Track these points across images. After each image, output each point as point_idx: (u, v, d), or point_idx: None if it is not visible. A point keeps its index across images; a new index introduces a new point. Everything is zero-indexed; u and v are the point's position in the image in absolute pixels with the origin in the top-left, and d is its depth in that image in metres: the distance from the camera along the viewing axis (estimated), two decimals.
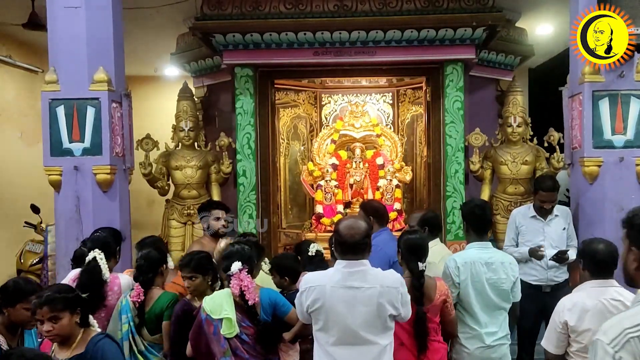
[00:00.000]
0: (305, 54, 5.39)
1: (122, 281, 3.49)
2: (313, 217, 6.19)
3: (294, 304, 3.06)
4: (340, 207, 6.07)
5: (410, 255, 3.10)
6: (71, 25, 4.28)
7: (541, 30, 6.88)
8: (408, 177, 6.19)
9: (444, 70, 5.40)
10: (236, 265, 3.03)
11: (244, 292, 2.97)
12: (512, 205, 5.27)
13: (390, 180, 6.04)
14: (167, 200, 5.66)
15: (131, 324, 3.22)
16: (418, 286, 3.03)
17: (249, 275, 3.04)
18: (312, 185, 6.25)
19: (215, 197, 5.48)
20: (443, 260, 3.56)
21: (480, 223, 3.56)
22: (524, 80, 7.98)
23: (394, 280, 2.71)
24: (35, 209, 6.43)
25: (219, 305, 2.99)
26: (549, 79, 6.57)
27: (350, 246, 2.66)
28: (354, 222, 2.73)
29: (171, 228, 5.50)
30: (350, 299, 2.61)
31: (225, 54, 5.41)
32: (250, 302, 2.97)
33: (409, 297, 2.77)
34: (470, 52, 5.33)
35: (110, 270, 3.42)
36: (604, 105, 4.31)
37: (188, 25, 5.92)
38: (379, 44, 5.31)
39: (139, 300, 3.23)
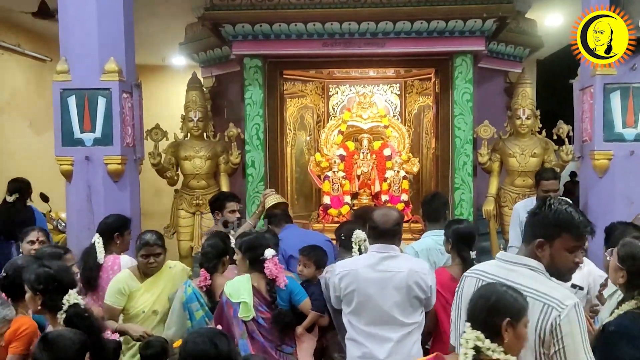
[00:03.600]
0: (314, 45, 5.37)
1: (121, 261, 3.66)
2: (320, 208, 6.19)
3: (309, 295, 3.24)
4: (347, 198, 6.08)
5: (460, 244, 3.20)
6: (82, 15, 4.30)
7: (550, 21, 6.85)
8: (415, 169, 6.19)
9: (453, 62, 5.38)
10: (270, 252, 3.18)
11: (276, 277, 3.14)
12: (520, 198, 5.28)
13: (398, 171, 6.04)
14: (175, 190, 5.69)
15: (206, 309, 3.31)
16: None
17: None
18: (319, 176, 6.25)
19: (224, 187, 5.50)
20: None
21: (428, 212, 3.83)
22: (532, 71, 7.95)
23: (421, 267, 2.92)
24: (44, 198, 6.47)
25: (237, 289, 3.14)
26: (558, 71, 6.57)
27: (383, 232, 2.85)
28: (387, 210, 2.98)
29: (180, 218, 5.53)
30: (382, 282, 2.79)
31: (235, 44, 5.40)
32: (282, 286, 3.15)
33: (435, 285, 2.93)
34: (480, 43, 5.30)
35: (111, 253, 3.66)
36: (615, 98, 4.31)
37: (197, 15, 5.92)
38: (388, 35, 5.29)
39: (207, 284, 3.34)
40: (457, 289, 2.25)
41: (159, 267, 3.51)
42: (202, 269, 3.39)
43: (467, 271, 2.23)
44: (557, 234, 1.95)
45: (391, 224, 2.84)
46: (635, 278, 2.34)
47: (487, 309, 1.81)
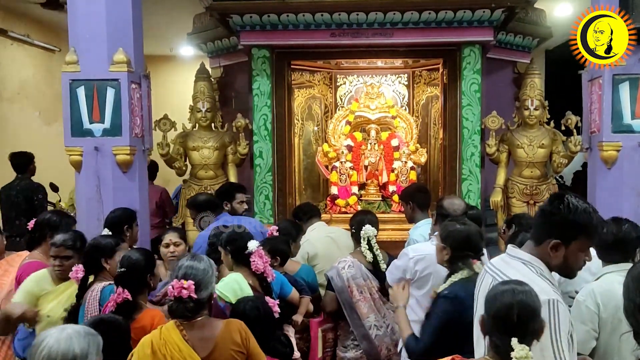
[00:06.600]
0: (322, 35, 5.36)
1: None
2: (328, 199, 6.22)
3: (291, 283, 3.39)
4: (355, 189, 6.09)
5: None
6: (91, 6, 4.30)
7: (560, 11, 6.80)
8: (423, 159, 6.19)
9: (461, 52, 5.36)
10: (253, 244, 3.10)
11: (264, 271, 3.09)
12: (527, 189, 5.28)
13: (405, 162, 6.04)
14: (184, 181, 5.72)
15: None
16: None
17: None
18: (327, 167, 6.27)
19: (232, 178, 5.53)
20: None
21: (424, 200, 4.03)
22: (540, 62, 7.89)
23: None
24: (54, 188, 6.51)
25: (237, 289, 3.01)
26: (566, 61, 6.49)
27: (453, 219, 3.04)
28: (455, 198, 3.27)
29: None
30: None
31: (242, 34, 5.40)
32: (269, 279, 3.11)
33: None
34: (488, 34, 5.27)
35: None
36: (624, 89, 4.29)
37: (205, 5, 5.90)
38: (396, 25, 5.27)
39: None
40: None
41: (66, 272, 3.03)
42: None
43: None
44: (574, 237, 1.94)
45: (460, 212, 3.10)
46: (456, 253, 2.70)
47: (530, 318, 1.80)
